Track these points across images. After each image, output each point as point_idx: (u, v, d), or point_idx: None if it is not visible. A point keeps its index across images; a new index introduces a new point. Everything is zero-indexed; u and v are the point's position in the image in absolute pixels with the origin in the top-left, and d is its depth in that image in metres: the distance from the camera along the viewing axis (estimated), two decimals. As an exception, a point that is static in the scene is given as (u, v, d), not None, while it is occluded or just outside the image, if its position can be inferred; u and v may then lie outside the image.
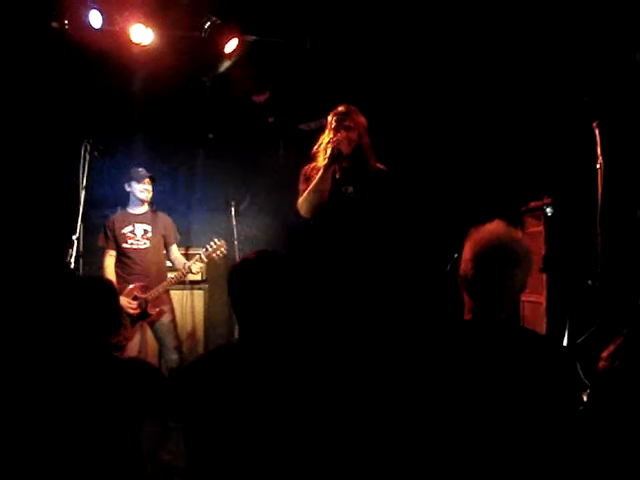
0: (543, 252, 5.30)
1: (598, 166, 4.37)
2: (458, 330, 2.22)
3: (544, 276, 5.39)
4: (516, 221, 6.00)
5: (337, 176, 3.93)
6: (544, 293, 5.47)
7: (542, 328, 5.40)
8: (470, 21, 5.72)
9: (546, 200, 5.39)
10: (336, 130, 3.90)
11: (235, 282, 2.31)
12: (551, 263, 5.13)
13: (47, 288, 4.95)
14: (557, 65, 5.48)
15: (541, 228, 5.52)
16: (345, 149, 3.86)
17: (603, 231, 4.35)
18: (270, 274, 2.29)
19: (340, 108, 3.97)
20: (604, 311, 4.34)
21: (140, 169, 5.34)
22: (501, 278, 2.17)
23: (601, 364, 2.27)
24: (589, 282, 4.47)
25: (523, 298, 5.90)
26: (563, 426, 2.06)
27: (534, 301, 5.69)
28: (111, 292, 2.64)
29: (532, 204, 5.73)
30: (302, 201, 3.93)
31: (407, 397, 2.09)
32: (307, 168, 4.04)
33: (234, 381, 2.10)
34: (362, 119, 4.00)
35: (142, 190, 5.32)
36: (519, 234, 2.26)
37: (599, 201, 4.33)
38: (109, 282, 2.86)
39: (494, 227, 2.25)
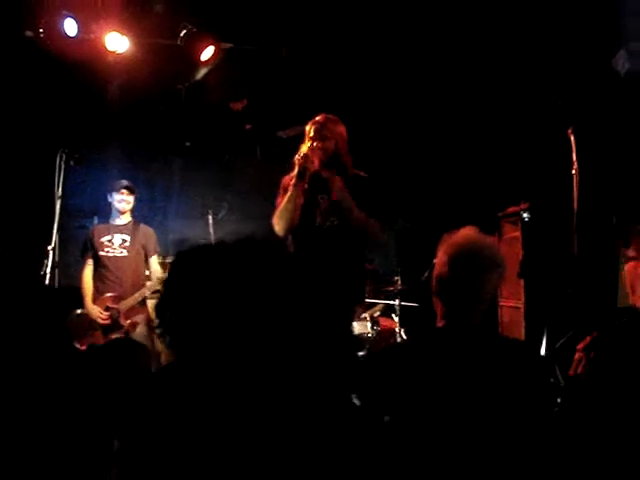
0: (520, 257, 5.33)
1: (574, 172, 4.40)
2: (432, 337, 2.23)
3: (522, 281, 5.42)
4: (493, 226, 6.04)
5: (306, 187, 3.95)
6: (522, 298, 5.51)
7: (520, 333, 5.44)
8: (446, 29, 5.75)
9: (523, 205, 5.43)
10: (313, 140, 3.93)
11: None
12: (528, 268, 5.16)
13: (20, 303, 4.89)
14: (532, 72, 5.52)
15: (518, 234, 5.56)
16: (315, 163, 3.91)
17: (579, 236, 4.38)
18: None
19: (317, 117, 4.00)
20: (582, 315, 4.36)
21: (122, 180, 5.31)
22: (476, 282, 2.18)
23: (577, 355, 2.30)
24: (569, 290, 4.50)
25: (502, 303, 5.94)
26: (537, 431, 2.07)
27: (512, 306, 5.72)
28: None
29: (509, 209, 5.77)
30: (275, 219, 3.97)
31: (383, 406, 2.09)
32: (286, 179, 4.05)
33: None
34: (340, 128, 4.01)
35: (119, 200, 5.28)
36: (492, 240, 2.27)
37: (575, 207, 4.36)
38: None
39: (468, 233, 2.26)
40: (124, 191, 5.28)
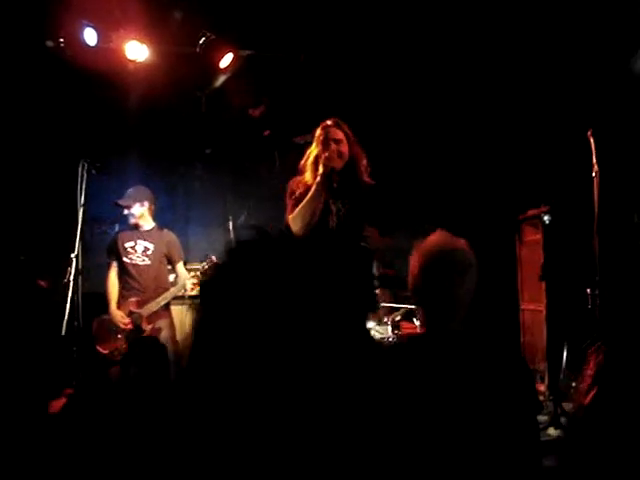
0: (542, 260, 5.31)
1: (594, 174, 4.39)
2: (411, 345, 2.22)
3: (543, 284, 5.40)
4: (514, 230, 6.03)
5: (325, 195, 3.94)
6: (544, 301, 5.48)
7: (542, 336, 5.41)
8: (463, 33, 5.74)
9: (543, 208, 5.40)
10: (324, 144, 3.91)
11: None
12: (550, 271, 5.13)
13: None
14: (552, 74, 5.51)
15: (539, 236, 5.54)
16: (337, 164, 3.88)
17: (601, 238, 4.36)
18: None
19: (328, 122, 3.98)
20: (604, 318, 4.34)
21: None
22: (449, 287, 2.16)
23: (584, 385, 2.25)
24: (588, 291, 4.47)
25: (523, 306, 5.92)
26: (518, 444, 2.03)
27: (534, 309, 5.70)
28: None
29: (530, 212, 5.75)
30: (294, 217, 3.93)
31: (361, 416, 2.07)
32: (293, 182, 4.03)
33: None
34: (350, 132, 3.99)
35: (126, 215, 5.39)
36: (462, 243, 2.25)
37: (596, 208, 4.34)
38: None
39: (437, 238, 2.25)
40: (120, 208, 5.37)
